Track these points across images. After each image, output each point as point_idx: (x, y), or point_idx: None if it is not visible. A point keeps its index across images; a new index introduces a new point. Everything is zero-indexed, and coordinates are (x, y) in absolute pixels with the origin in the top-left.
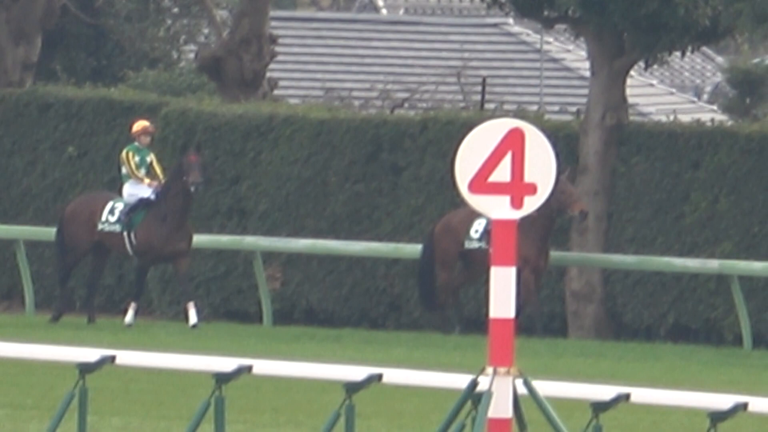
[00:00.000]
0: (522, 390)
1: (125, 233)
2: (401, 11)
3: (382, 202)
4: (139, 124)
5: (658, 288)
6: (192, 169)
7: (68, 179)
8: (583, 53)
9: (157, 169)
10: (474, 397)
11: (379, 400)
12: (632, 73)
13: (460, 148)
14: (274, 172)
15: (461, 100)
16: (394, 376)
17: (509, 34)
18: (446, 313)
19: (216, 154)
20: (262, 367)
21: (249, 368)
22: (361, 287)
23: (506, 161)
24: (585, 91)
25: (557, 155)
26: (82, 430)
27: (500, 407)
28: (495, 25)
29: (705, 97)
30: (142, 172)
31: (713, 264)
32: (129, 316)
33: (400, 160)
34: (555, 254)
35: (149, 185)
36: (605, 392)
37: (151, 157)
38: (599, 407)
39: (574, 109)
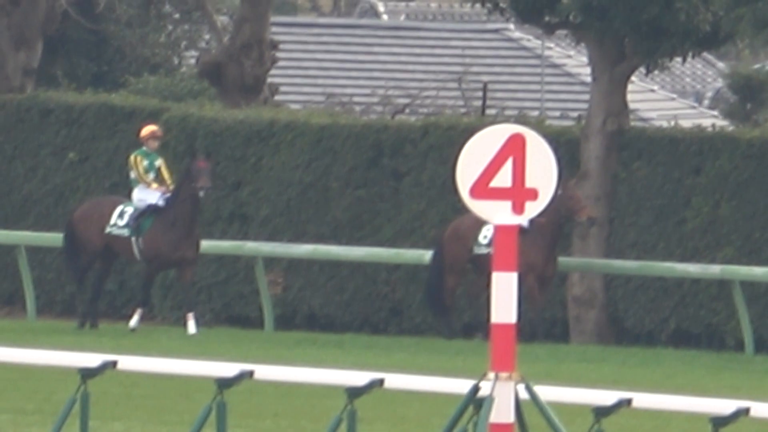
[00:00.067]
0: (524, 395)
1: (133, 238)
2: (402, 17)
3: (384, 207)
4: (148, 129)
5: (659, 293)
6: (201, 175)
7: (69, 185)
8: (584, 59)
9: (166, 174)
10: (476, 402)
11: (381, 405)
12: (633, 78)
13: (462, 154)
14: (276, 178)
15: (462, 106)
16: (395, 381)
17: (510, 39)
18: (451, 319)
19: (217, 159)
20: (264, 372)
21: (250, 373)
22: (362, 292)
23: (507, 167)
24: (586, 97)
25: (558, 161)
26: None
27: (502, 412)
28: (496, 30)
29: (706, 102)
30: (151, 176)
31: (715, 269)
32: (134, 321)
33: (401, 166)
34: None
35: (157, 189)
36: (607, 397)
37: (159, 162)
38: (601, 412)
39: (575, 114)
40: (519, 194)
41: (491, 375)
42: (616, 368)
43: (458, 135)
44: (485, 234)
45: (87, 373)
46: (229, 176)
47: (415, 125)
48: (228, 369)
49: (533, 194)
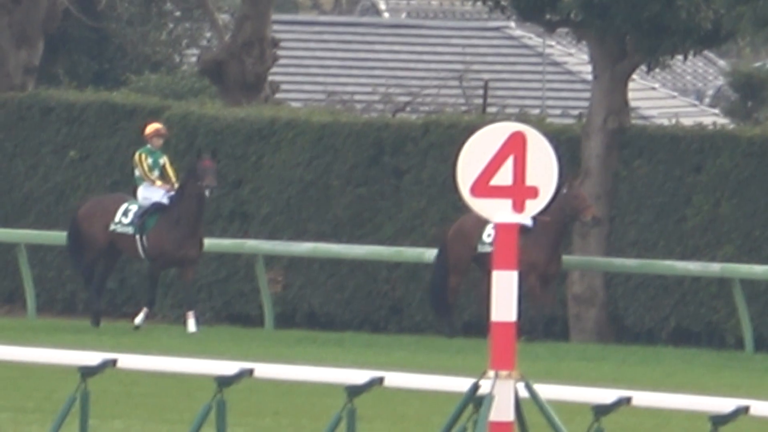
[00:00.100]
0: (523, 393)
1: (138, 236)
2: (403, 15)
3: (384, 205)
4: (152, 127)
5: (659, 291)
6: (207, 174)
7: (70, 183)
8: (585, 57)
9: (170, 172)
10: (475, 401)
11: (381, 404)
12: (634, 76)
13: (462, 152)
14: (276, 176)
15: (463, 104)
16: (395, 379)
17: (511, 37)
18: (453, 318)
19: (218, 157)
20: (264, 370)
21: (250, 371)
22: (362, 290)
23: (508, 165)
24: (587, 95)
25: (559, 159)
26: None
27: (502, 410)
28: (497, 28)
29: (707, 100)
30: (155, 174)
31: (715, 267)
32: (139, 319)
33: (402, 164)
34: None
35: (161, 187)
36: (607, 395)
37: (164, 160)
38: (601, 410)
39: (576, 112)
40: (519, 192)
41: (491, 373)
42: (616, 366)
43: (459, 133)
44: (489, 232)
45: (87, 372)
46: (229, 174)
47: (416, 123)
48: (228, 367)
49: (534, 192)
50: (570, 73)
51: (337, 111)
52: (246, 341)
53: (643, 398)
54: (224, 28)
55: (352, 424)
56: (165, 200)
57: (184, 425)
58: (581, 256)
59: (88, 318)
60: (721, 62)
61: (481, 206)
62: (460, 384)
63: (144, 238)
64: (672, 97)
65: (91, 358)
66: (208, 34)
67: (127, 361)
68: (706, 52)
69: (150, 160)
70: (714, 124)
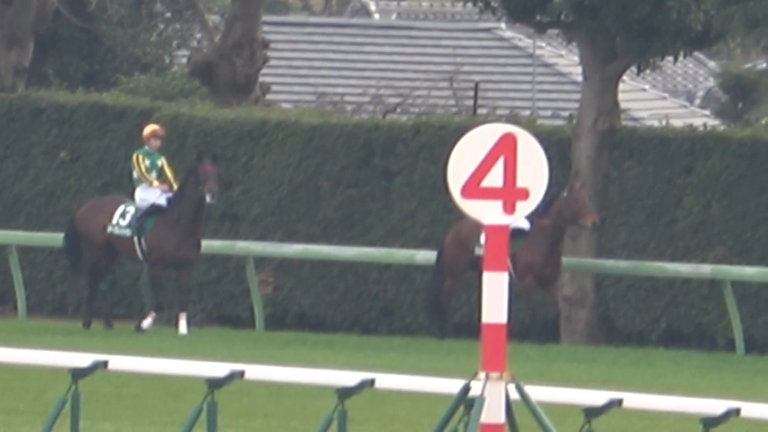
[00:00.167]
0: (514, 395)
1: (135, 238)
2: (393, 16)
3: (375, 207)
4: (149, 128)
5: (650, 293)
6: (208, 179)
7: (60, 184)
8: (576, 58)
9: (168, 173)
10: (466, 402)
11: (372, 406)
12: (624, 77)
13: (453, 153)
14: (267, 177)
15: (454, 105)
16: (386, 381)
17: (502, 38)
18: (446, 320)
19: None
20: (255, 372)
21: (241, 373)
22: (353, 292)
23: (499, 166)
24: (577, 96)
25: (549, 160)
26: None
27: (492, 412)
28: (487, 29)
29: (697, 101)
30: (153, 175)
31: (706, 269)
32: (146, 323)
33: (392, 165)
34: None
35: (159, 187)
36: (597, 397)
37: (162, 161)
38: (591, 412)
39: (566, 113)
40: (510, 194)
41: (482, 375)
42: (606, 368)
43: (449, 134)
44: None
45: (78, 373)
46: (220, 176)
47: (406, 125)
48: (218, 369)
49: (524, 194)
50: (560, 74)
51: (327, 112)
52: (236, 343)
53: (634, 400)
54: (214, 29)
55: (343, 426)
56: (162, 201)
57: (174, 427)
58: (572, 257)
59: (78, 319)
60: (712, 63)
61: (471, 208)
62: (451, 386)
63: (142, 240)
64: (662, 98)
65: (82, 359)
66: (199, 36)
67: (118, 362)
68: (696, 54)
69: (147, 162)
70: (704, 125)
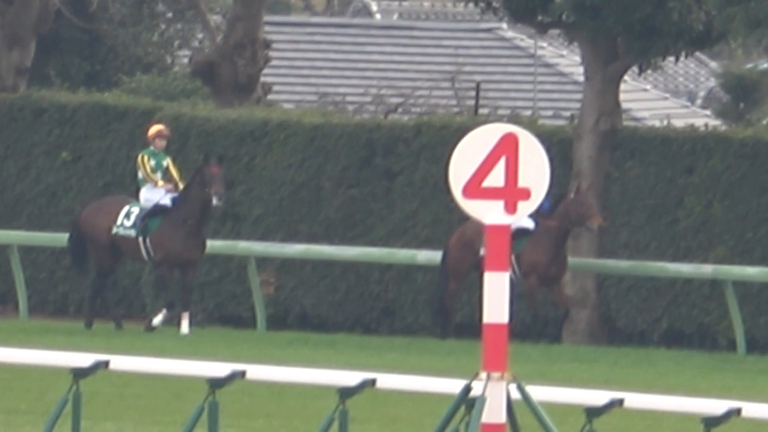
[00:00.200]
0: (516, 395)
1: (140, 239)
2: (395, 16)
3: (376, 207)
4: (154, 128)
5: (651, 293)
6: (214, 181)
7: (62, 184)
8: (577, 58)
9: (174, 173)
10: (468, 402)
11: (373, 405)
12: (626, 77)
13: (454, 153)
14: (268, 177)
15: (455, 105)
16: (387, 381)
17: (503, 39)
18: (449, 321)
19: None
20: (256, 372)
21: (242, 373)
22: (354, 292)
23: (500, 166)
24: (579, 96)
25: (551, 160)
26: None
27: (494, 412)
28: (489, 30)
29: (699, 102)
30: (158, 175)
31: (707, 269)
32: (157, 320)
33: (393, 165)
34: None
35: (164, 187)
36: (599, 397)
37: (167, 161)
38: (593, 412)
39: (567, 113)
40: (511, 194)
41: (483, 375)
42: (608, 368)
43: (451, 134)
44: None
45: (79, 373)
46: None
47: (407, 125)
48: (220, 369)
49: (526, 194)
50: (562, 74)
51: (329, 112)
52: (238, 343)
53: (635, 400)
54: (216, 29)
55: (345, 426)
56: (167, 201)
57: (176, 427)
58: (573, 257)
59: (80, 319)
60: (713, 64)
61: (473, 208)
62: (453, 386)
63: (147, 240)
64: (664, 98)
65: (84, 359)
66: (200, 36)
67: (120, 362)
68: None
69: (153, 162)
70: (706, 125)
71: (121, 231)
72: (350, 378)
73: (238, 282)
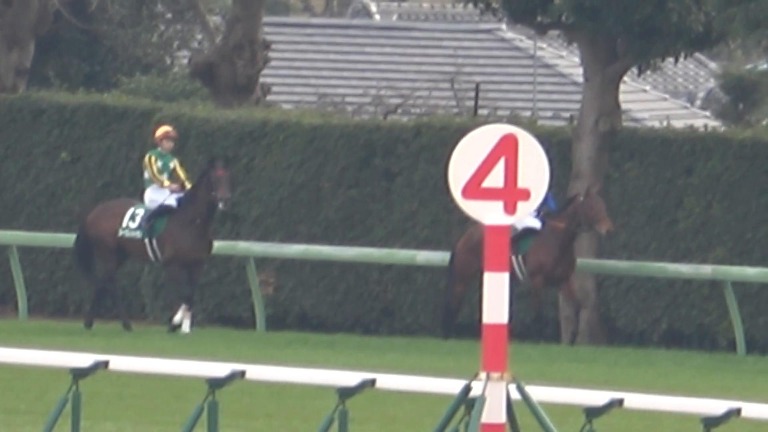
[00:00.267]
0: (515, 395)
1: (146, 240)
2: (395, 17)
3: (375, 207)
4: (162, 130)
5: (651, 293)
6: (220, 184)
7: (61, 185)
8: (577, 59)
9: (181, 174)
10: (467, 403)
11: (373, 406)
12: (625, 78)
13: (454, 154)
14: (267, 178)
15: (455, 106)
16: (387, 381)
17: (502, 39)
18: (453, 323)
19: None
20: (256, 372)
21: (242, 373)
22: (354, 293)
23: (499, 167)
24: (578, 97)
25: (550, 161)
26: None
27: (493, 412)
28: (488, 30)
29: (698, 103)
30: (165, 177)
31: (706, 269)
32: (178, 317)
33: (393, 166)
34: None
35: (169, 187)
36: (598, 397)
37: (174, 163)
38: (592, 412)
39: (567, 114)
40: (511, 194)
41: (483, 375)
42: (607, 368)
43: (450, 135)
44: None
45: (79, 373)
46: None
47: (407, 125)
48: (219, 369)
49: (525, 194)
50: (561, 75)
51: (328, 113)
52: (237, 343)
53: (634, 400)
54: (215, 30)
55: (344, 426)
56: (172, 201)
57: (175, 427)
58: None
59: (79, 319)
60: (713, 64)
61: (472, 208)
62: (452, 386)
63: (154, 241)
64: (663, 99)
65: (83, 359)
66: (199, 36)
67: (119, 362)
68: (697, 55)
69: (160, 163)
70: (705, 126)
71: (127, 233)
72: (350, 378)
73: (238, 282)
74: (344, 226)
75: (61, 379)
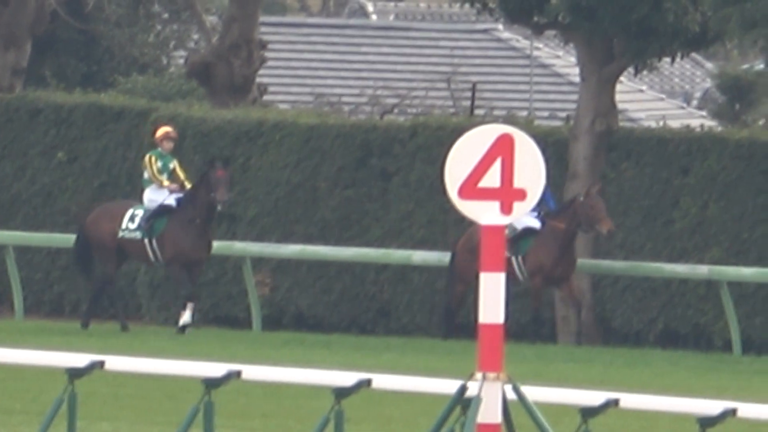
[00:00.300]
0: (511, 395)
1: (146, 240)
2: (391, 17)
3: (372, 207)
4: (162, 130)
5: (647, 293)
6: (219, 185)
7: (58, 185)
8: (573, 59)
9: (181, 175)
10: (463, 403)
11: (369, 406)
12: (622, 78)
13: (450, 154)
14: (264, 178)
15: (451, 106)
16: (383, 381)
17: (499, 39)
18: (453, 322)
19: (205, 159)
20: (252, 372)
21: (238, 373)
22: (350, 293)
23: (496, 167)
24: (575, 97)
25: (546, 161)
26: None
27: (489, 412)
28: (485, 30)
29: (694, 103)
30: (164, 177)
31: (702, 270)
32: (187, 316)
33: (389, 166)
34: None
35: (169, 187)
36: (594, 398)
37: (174, 164)
38: (588, 413)
39: (563, 114)
40: (507, 194)
41: (479, 375)
42: (603, 369)
43: (447, 135)
44: None
45: (74, 373)
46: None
47: (403, 125)
48: (215, 369)
49: (522, 195)
50: (557, 75)
51: (324, 113)
52: (233, 343)
53: (630, 400)
54: (212, 30)
55: (340, 426)
56: (171, 201)
57: (171, 427)
58: None
59: (75, 319)
60: (709, 64)
61: (468, 208)
62: (448, 386)
63: (154, 241)
64: (659, 99)
65: (79, 359)
66: (196, 36)
67: (115, 362)
68: (693, 55)
69: (160, 164)
70: (701, 126)
71: (127, 234)
72: (346, 378)
73: (234, 282)
74: (340, 226)
75: (57, 379)
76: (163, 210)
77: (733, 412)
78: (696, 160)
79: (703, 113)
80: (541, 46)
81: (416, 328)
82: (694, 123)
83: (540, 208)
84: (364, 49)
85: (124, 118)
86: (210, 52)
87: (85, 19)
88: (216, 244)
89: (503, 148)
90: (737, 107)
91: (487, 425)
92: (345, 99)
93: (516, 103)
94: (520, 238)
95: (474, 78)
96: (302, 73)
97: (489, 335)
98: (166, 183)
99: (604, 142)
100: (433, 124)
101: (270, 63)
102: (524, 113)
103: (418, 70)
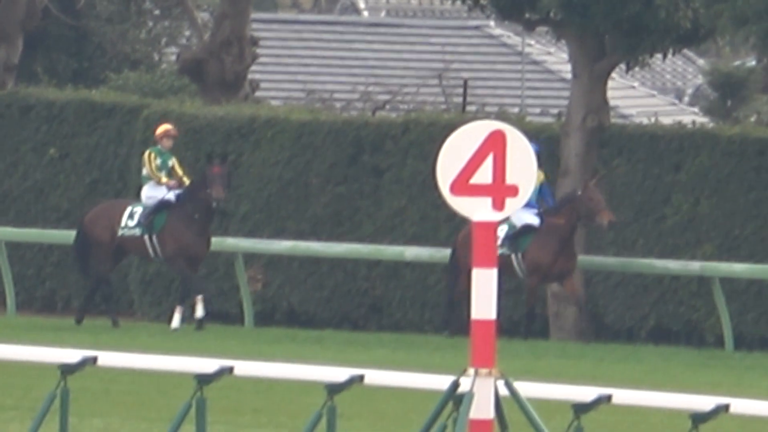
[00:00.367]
0: (503, 391)
1: (146, 236)
2: (383, 13)
3: (364, 203)
4: (162, 128)
5: (639, 290)
6: (215, 183)
7: (49, 181)
8: (565, 55)
9: (179, 172)
10: (455, 398)
11: (361, 401)
12: (614, 75)
13: (442, 150)
14: (256, 174)
15: (443, 102)
16: (375, 377)
17: (491, 36)
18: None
19: (197, 156)
20: (244, 368)
21: (230, 369)
22: (342, 289)
23: (488, 163)
24: (566, 94)
25: (538, 157)
26: (63, 431)
27: (482, 408)
28: (476, 27)
29: (686, 99)
30: (163, 174)
31: (694, 266)
32: (200, 310)
33: (381, 162)
34: None
35: (167, 183)
36: (586, 393)
37: (173, 161)
38: (580, 408)
39: (555, 111)
40: (499, 191)
41: (471, 371)
42: (595, 364)
43: (439, 131)
44: (498, 235)
45: (67, 369)
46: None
47: (395, 122)
48: (208, 365)
49: (513, 191)
50: (549, 71)
51: (316, 109)
52: (225, 339)
53: (622, 396)
54: (203, 26)
55: (332, 422)
56: (171, 197)
57: (163, 423)
58: None
59: (67, 316)
60: (701, 61)
61: (461, 204)
62: (440, 382)
63: (154, 237)
64: (651, 95)
65: (71, 355)
66: (188, 33)
67: (107, 358)
68: (685, 51)
69: (159, 161)
70: (693, 122)
71: (126, 232)
72: (338, 374)
73: (226, 278)
74: (332, 222)
75: (49, 375)
76: (162, 206)
77: (726, 407)
78: (688, 157)
79: (695, 110)
80: (532, 42)
81: (408, 324)
82: (686, 119)
83: (540, 205)
84: (355, 45)
85: (116, 114)
86: (202, 49)
87: (77, 16)
88: None
89: (495, 144)
90: (729, 104)
91: (479, 421)
92: (337, 95)
93: (508, 100)
94: (519, 236)
95: (465, 74)
96: (294, 70)
97: (481, 331)
98: (164, 180)
99: (596, 139)
100: (425, 120)
101: (262, 60)
102: (516, 110)
103: (410, 66)
